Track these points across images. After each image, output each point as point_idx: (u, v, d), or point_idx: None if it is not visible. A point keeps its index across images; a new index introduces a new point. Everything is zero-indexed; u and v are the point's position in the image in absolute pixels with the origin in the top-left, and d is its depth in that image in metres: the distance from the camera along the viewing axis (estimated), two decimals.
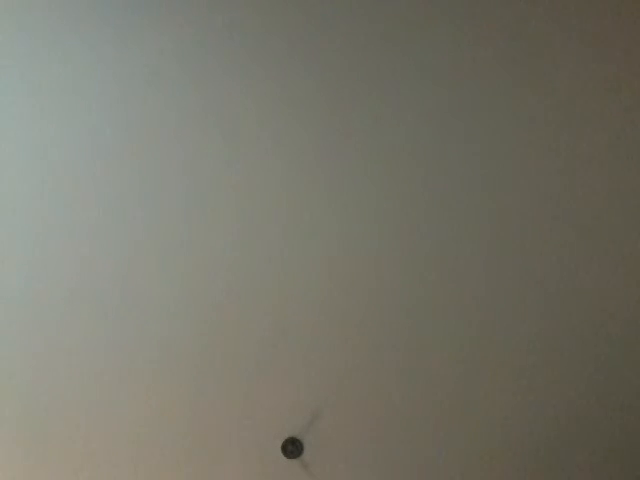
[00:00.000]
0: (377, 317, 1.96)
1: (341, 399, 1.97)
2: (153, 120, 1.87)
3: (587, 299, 2.02)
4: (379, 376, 1.98)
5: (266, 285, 1.92)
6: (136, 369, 1.90)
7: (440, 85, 1.94)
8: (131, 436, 1.93)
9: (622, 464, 2.09)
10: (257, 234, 1.91)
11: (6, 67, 1.82)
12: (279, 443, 1.97)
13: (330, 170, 1.93)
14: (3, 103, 1.82)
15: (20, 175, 1.84)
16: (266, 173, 1.91)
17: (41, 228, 1.85)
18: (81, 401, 1.90)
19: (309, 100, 1.91)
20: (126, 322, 1.89)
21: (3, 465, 1.89)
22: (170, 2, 1.86)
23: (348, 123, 1.92)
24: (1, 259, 1.84)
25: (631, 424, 2.07)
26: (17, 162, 1.83)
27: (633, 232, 2.02)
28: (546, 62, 1.98)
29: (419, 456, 2.02)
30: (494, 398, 2.02)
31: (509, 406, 2.03)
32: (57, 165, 1.85)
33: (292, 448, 1.95)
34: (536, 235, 1.98)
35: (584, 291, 2.01)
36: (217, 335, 1.92)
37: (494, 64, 1.96)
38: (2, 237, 1.84)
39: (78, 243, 1.86)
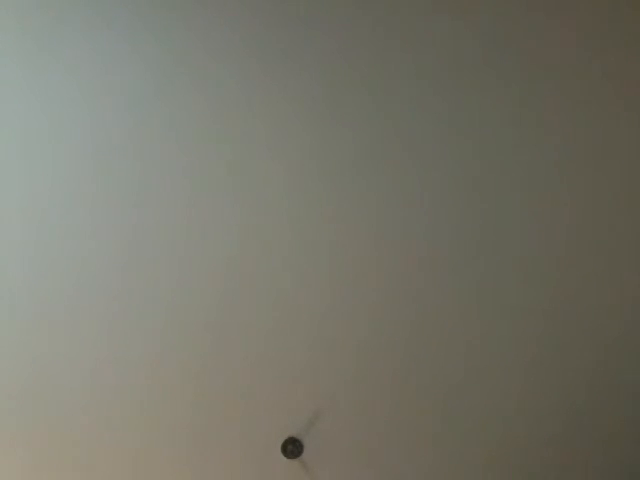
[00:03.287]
0: (378, 317, 1.96)
1: (341, 399, 1.97)
2: (153, 120, 1.87)
3: (587, 299, 2.02)
4: (379, 376, 1.98)
5: (267, 285, 1.92)
6: (136, 369, 1.90)
7: (439, 86, 1.95)
8: (131, 435, 1.93)
9: (622, 464, 2.09)
10: (258, 233, 1.91)
11: (6, 67, 1.82)
12: (279, 443, 1.97)
13: (331, 171, 1.93)
14: (3, 103, 1.82)
15: (20, 175, 1.84)
16: (266, 174, 1.91)
17: (41, 229, 1.85)
18: (80, 400, 1.90)
19: (310, 100, 1.91)
20: (127, 322, 1.89)
21: (3, 465, 1.89)
22: (170, 2, 1.86)
23: (349, 123, 1.92)
24: (1, 259, 1.84)
25: (631, 424, 2.07)
26: (17, 162, 1.83)
27: (633, 232, 2.02)
28: (545, 61, 1.98)
29: (419, 456, 2.02)
30: (494, 399, 2.02)
31: (508, 408, 2.03)
32: (58, 166, 1.84)
33: (292, 448, 1.95)
34: (535, 237, 1.99)
35: (584, 292, 2.02)
36: (217, 335, 1.92)
37: (493, 61, 1.96)
38: (2, 237, 1.84)
39: (79, 244, 1.86)
